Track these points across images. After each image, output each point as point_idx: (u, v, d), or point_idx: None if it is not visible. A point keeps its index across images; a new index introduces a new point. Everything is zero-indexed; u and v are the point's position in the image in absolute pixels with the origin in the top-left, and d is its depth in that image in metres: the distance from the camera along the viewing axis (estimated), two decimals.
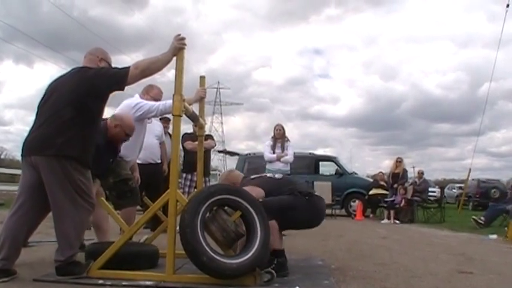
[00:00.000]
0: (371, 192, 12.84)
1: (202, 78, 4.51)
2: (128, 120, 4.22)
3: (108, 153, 4.15)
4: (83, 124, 3.31)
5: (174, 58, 3.43)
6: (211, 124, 73.70)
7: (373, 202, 12.83)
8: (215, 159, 48.16)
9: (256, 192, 3.77)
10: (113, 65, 3.66)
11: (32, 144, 3.29)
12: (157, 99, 4.76)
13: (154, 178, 5.95)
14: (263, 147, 7.88)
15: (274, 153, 7.48)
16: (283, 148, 7.48)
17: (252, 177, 4.13)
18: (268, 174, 4.31)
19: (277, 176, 4.18)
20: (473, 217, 9.77)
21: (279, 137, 7.55)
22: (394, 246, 6.12)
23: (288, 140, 7.63)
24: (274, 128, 7.66)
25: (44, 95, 3.44)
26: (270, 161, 7.50)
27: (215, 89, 76.20)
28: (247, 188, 3.76)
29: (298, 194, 3.84)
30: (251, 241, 3.31)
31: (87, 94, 3.30)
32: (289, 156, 7.47)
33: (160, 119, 6.74)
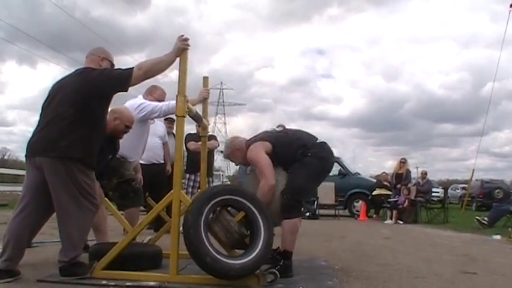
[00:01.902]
0: (374, 193, 12.81)
1: (205, 78, 4.51)
2: (127, 112, 4.20)
3: (108, 149, 4.11)
4: (87, 125, 3.31)
5: (177, 59, 3.44)
6: (215, 124, 73.84)
7: (376, 202, 12.80)
8: (218, 160, 48.04)
9: (265, 146, 3.81)
10: (116, 66, 3.66)
11: (36, 146, 3.30)
12: (160, 100, 4.76)
13: (157, 178, 5.95)
14: None
15: None
16: None
17: (254, 136, 4.11)
18: (269, 129, 4.23)
19: (276, 128, 4.14)
20: (477, 217, 9.73)
21: None
22: (397, 246, 6.11)
23: None
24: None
25: (48, 96, 3.45)
26: None
27: (218, 90, 76.27)
28: (254, 147, 3.83)
29: (313, 158, 3.81)
30: (254, 241, 3.31)
31: (91, 95, 3.30)
32: None
33: (164, 120, 6.76)
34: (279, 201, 3.71)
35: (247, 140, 4.05)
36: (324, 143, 3.98)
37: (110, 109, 4.08)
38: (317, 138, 4.02)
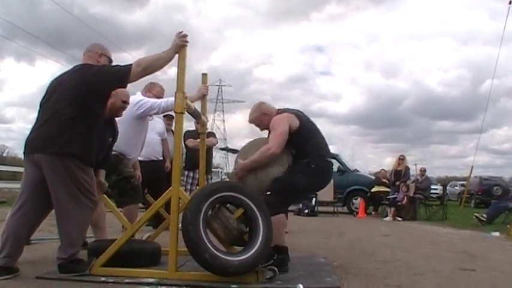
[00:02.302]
0: (373, 190, 12.82)
1: (204, 75, 4.50)
2: (120, 88, 4.15)
3: (107, 132, 4.06)
4: (85, 122, 3.30)
5: (176, 55, 3.43)
6: (213, 122, 73.78)
7: (375, 199, 12.81)
8: (217, 157, 48.16)
9: (292, 121, 3.81)
10: (114, 63, 3.65)
11: (35, 143, 3.29)
12: (159, 97, 4.75)
13: (156, 175, 5.94)
14: None
15: None
16: None
17: (286, 108, 4.08)
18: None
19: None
20: (476, 214, 9.74)
21: None
22: (396, 243, 6.11)
23: None
24: None
25: (46, 93, 3.44)
26: None
27: (217, 87, 76.18)
28: (284, 115, 3.84)
29: (313, 167, 3.84)
30: (253, 238, 3.30)
31: (89, 92, 3.29)
32: None
33: (163, 117, 6.75)
34: (268, 178, 3.74)
35: (278, 109, 4.04)
36: (331, 163, 4.07)
37: None
38: (328, 152, 4.07)
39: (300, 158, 3.86)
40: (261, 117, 4.04)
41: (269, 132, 3.97)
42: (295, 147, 3.86)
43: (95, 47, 3.66)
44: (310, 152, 3.86)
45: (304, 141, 3.87)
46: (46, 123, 3.29)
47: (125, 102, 4.11)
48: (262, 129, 4.15)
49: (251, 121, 4.13)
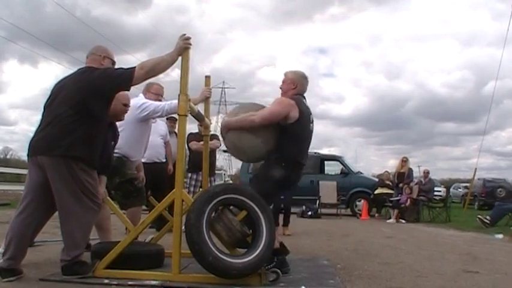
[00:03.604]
0: (376, 192, 12.80)
1: (207, 77, 4.51)
2: (121, 92, 4.14)
3: (109, 134, 4.02)
4: (89, 124, 3.31)
5: (179, 58, 3.43)
6: (217, 124, 73.47)
7: (378, 201, 12.79)
8: (220, 159, 48.18)
9: (292, 110, 3.71)
10: (117, 65, 3.66)
11: (38, 145, 3.30)
12: (158, 94, 4.77)
13: (159, 177, 5.94)
14: None
15: None
16: None
17: (302, 97, 3.98)
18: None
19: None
20: (479, 216, 9.72)
21: None
22: (399, 245, 6.11)
23: None
24: None
25: (50, 96, 3.45)
26: None
27: (220, 89, 76.05)
28: (289, 100, 3.76)
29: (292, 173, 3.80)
30: (257, 240, 3.31)
31: (93, 95, 3.31)
32: None
33: (167, 119, 6.76)
34: (247, 145, 3.75)
35: (295, 94, 3.91)
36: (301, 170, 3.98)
37: None
38: (304, 160, 3.95)
39: (279, 155, 3.77)
40: (289, 82, 3.95)
41: None
42: (279, 138, 3.76)
43: (98, 50, 3.67)
44: (293, 149, 3.77)
45: (291, 140, 3.77)
46: (50, 125, 3.30)
47: (126, 105, 4.09)
48: (280, 88, 4.06)
49: (285, 74, 4.03)
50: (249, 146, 3.75)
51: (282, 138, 3.76)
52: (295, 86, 3.93)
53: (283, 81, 4.01)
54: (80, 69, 3.55)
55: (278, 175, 3.70)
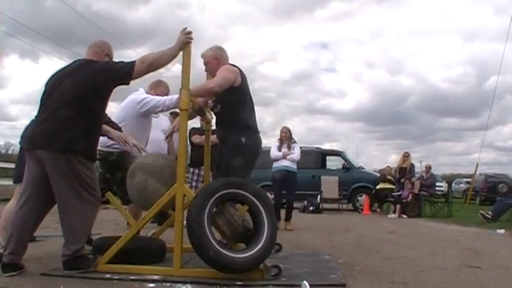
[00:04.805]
0: (378, 187, 12.82)
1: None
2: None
3: None
4: (88, 118, 3.31)
5: (181, 52, 3.43)
6: None
7: (380, 196, 12.80)
8: None
9: (237, 76, 3.90)
10: (118, 59, 3.65)
11: (37, 139, 3.30)
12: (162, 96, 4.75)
13: None
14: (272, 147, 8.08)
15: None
16: (289, 149, 7.77)
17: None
18: None
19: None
20: (481, 211, 9.70)
21: (285, 139, 7.86)
22: (401, 240, 6.11)
23: (294, 141, 7.93)
24: (281, 131, 8.00)
25: (47, 89, 3.43)
26: (276, 159, 7.78)
27: None
28: (232, 67, 3.91)
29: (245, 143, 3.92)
30: (258, 235, 3.30)
31: (93, 88, 3.30)
32: (295, 155, 7.74)
33: (170, 114, 6.76)
34: None
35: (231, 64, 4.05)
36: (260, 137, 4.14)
37: None
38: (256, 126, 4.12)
39: (232, 122, 3.94)
40: (212, 61, 4.05)
41: (212, 78, 3.98)
42: (224, 108, 3.95)
43: (102, 45, 3.66)
44: (242, 118, 3.95)
45: (239, 103, 3.94)
46: (48, 119, 3.29)
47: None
48: (206, 71, 4.17)
49: (203, 56, 4.13)
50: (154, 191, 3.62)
51: (234, 108, 3.92)
52: (218, 59, 4.05)
53: (207, 63, 4.11)
54: (78, 60, 3.53)
55: (249, 142, 3.90)
